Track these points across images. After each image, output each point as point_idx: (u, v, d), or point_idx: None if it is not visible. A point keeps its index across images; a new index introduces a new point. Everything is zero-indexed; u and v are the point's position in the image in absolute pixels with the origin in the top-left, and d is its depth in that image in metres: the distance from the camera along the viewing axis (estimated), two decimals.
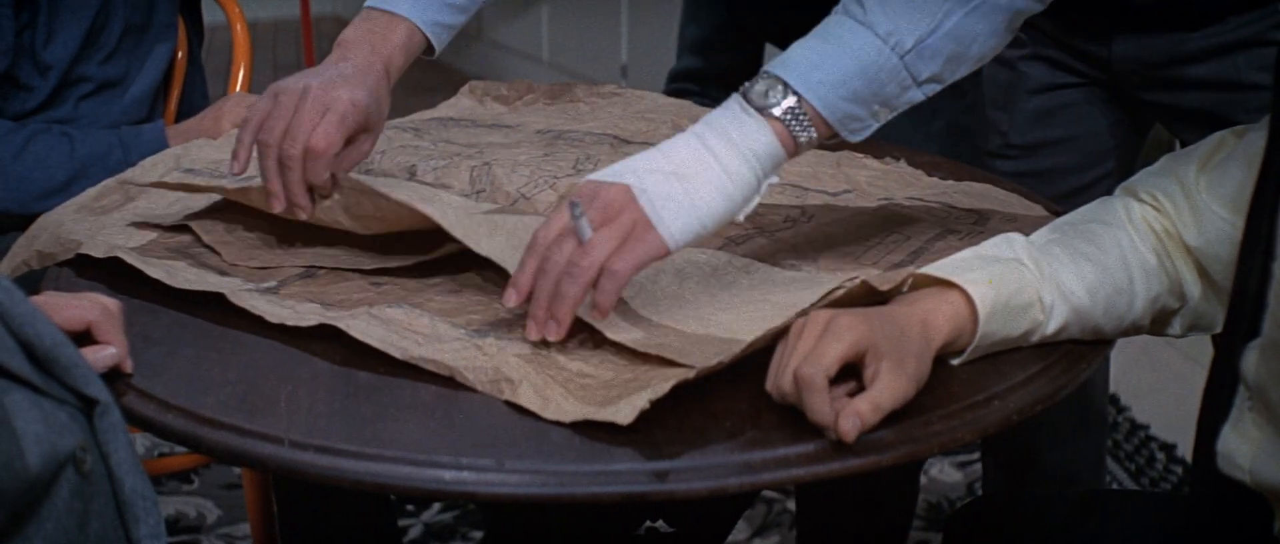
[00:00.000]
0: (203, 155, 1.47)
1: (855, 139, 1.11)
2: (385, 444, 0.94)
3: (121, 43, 1.69)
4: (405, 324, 1.08)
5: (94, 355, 0.98)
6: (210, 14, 1.95)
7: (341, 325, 1.06)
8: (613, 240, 1.03)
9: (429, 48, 1.35)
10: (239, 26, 1.95)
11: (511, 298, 1.05)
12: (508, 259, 1.08)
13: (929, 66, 1.10)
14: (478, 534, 2.19)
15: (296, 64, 5.47)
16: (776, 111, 1.07)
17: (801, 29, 1.89)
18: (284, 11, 5.79)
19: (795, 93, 1.07)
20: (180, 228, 1.29)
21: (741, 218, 1.09)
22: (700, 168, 1.06)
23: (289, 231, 1.27)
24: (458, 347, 1.04)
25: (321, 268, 1.21)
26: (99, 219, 1.31)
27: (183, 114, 1.84)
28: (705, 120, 1.09)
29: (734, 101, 1.09)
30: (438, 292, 1.15)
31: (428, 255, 1.18)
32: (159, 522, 0.89)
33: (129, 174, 1.41)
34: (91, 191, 1.36)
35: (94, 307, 1.01)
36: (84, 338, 1.00)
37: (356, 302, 1.13)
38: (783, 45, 1.95)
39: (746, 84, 1.09)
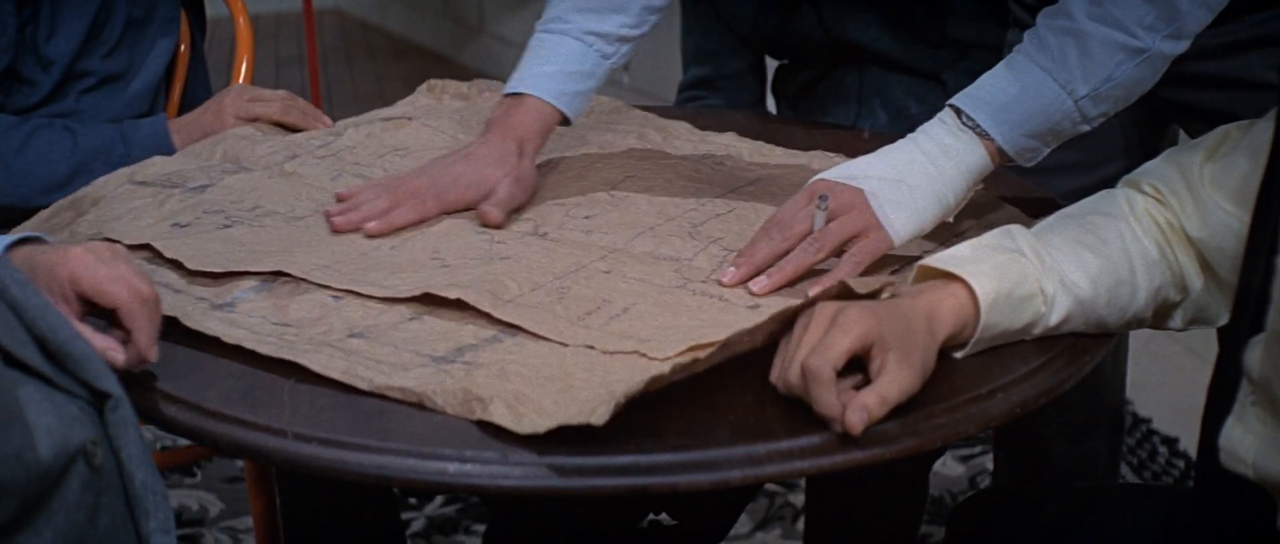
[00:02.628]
0: (154, 169, 1.43)
1: (1028, 165, 1.26)
2: (389, 437, 0.94)
3: (123, 37, 1.69)
4: (366, 354, 1.04)
5: (105, 352, 0.96)
6: (212, 7, 1.95)
7: (303, 361, 1.02)
8: (847, 232, 1.19)
9: (565, 118, 1.42)
10: (242, 20, 1.95)
11: (731, 275, 1.18)
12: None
13: (1099, 108, 1.23)
14: (480, 527, 2.19)
15: (299, 58, 5.47)
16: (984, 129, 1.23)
17: (788, 45, 1.90)
18: (286, 5, 5.78)
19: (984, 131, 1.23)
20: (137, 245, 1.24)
21: (951, 219, 1.25)
22: (922, 177, 1.22)
23: (251, 238, 1.25)
24: (423, 373, 1.01)
25: (280, 277, 1.17)
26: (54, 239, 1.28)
27: (185, 108, 1.84)
28: (923, 131, 1.25)
29: (948, 116, 1.24)
30: (398, 317, 1.11)
31: (394, 293, 1.14)
32: (169, 516, 0.89)
33: (83, 192, 1.37)
34: (43, 214, 1.33)
35: (126, 288, 0.98)
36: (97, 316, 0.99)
37: (315, 319, 1.10)
38: (773, 54, 1.95)
39: (952, 102, 1.25)
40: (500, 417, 0.94)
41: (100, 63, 1.67)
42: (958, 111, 1.23)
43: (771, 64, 1.99)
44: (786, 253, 1.18)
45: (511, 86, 1.42)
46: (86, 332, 0.94)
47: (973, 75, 1.75)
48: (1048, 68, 1.22)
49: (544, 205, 1.34)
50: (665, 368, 0.94)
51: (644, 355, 1.02)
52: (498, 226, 1.31)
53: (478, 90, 1.74)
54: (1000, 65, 1.26)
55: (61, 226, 1.31)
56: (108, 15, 1.66)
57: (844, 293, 1.02)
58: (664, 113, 1.68)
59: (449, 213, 1.33)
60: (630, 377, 0.97)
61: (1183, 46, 1.22)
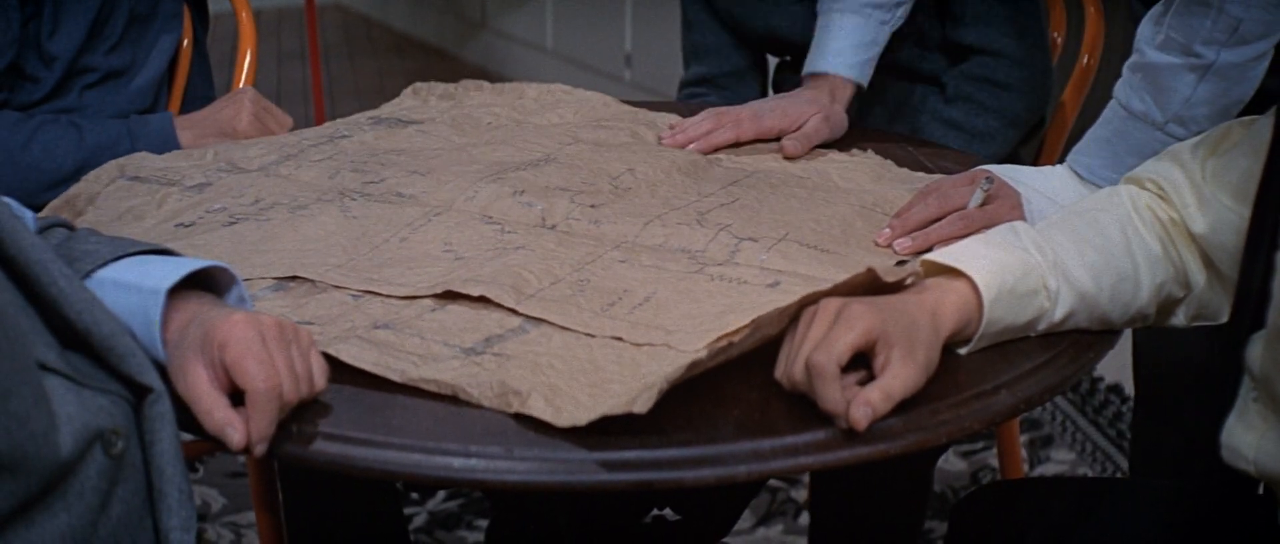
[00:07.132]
0: (146, 164, 1.43)
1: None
2: (393, 432, 0.94)
3: (127, 33, 1.69)
4: (397, 345, 1.04)
5: (223, 427, 0.91)
6: (215, 3, 1.96)
7: (333, 352, 1.02)
8: (994, 221, 1.23)
9: (860, 87, 1.62)
10: (244, 15, 1.95)
11: (886, 235, 1.27)
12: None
13: (1189, 128, 1.30)
14: (483, 523, 2.19)
15: (300, 53, 5.48)
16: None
17: (787, 45, 1.90)
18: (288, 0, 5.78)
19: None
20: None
21: None
22: (1070, 201, 1.27)
23: (259, 235, 1.25)
24: (456, 365, 1.01)
25: (293, 280, 1.17)
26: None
27: (187, 103, 1.85)
28: (1074, 161, 1.35)
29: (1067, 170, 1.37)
30: (421, 308, 1.11)
31: (413, 291, 1.14)
32: (191, 515, 0.89)
33: (76, 190, 1.37)
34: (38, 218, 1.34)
35: (265, 379, 0.90)
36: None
37: (336, 316, 1.10)
38: (773, 52, 1.96)
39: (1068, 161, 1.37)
40: (538, 410, 0.94)
41: (103, 59, 1.67)
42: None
43: (773, 62, 2.00)
44: (936, 221, 1.27)
45: (810, 67, 1.59)
46: (215, 400, 0.90)
47: (972, 79, 1.77)
48: (1127, 103, 1.32)
49: (549, 195, 1.34)
50: (703, 353, 0.94)
51: (673, 348, 1.03)
52: (793, 159, 1.48)
53: (464, 91, 1.74)
54: (1104, 122, 1.36)
55: None
56: (110, 11, 1.66)
57: (871, 280, 1.03)
58: (653, 108, 1.69)
59: (762, 138, 1.53)
60: (664, 366, 0.97)
61: (1253, 51, 1.26)
